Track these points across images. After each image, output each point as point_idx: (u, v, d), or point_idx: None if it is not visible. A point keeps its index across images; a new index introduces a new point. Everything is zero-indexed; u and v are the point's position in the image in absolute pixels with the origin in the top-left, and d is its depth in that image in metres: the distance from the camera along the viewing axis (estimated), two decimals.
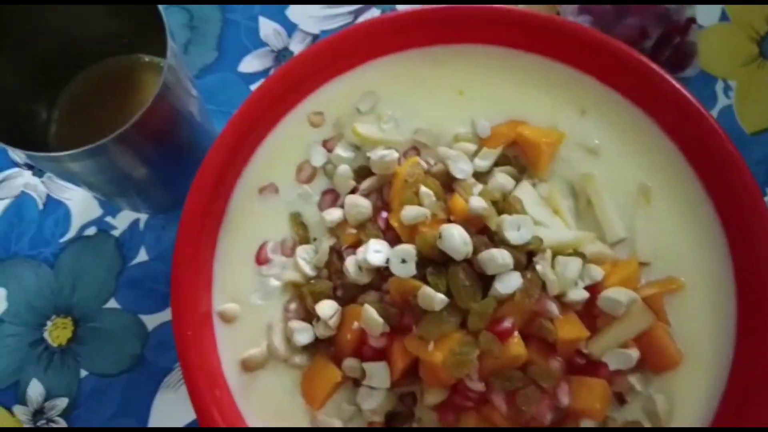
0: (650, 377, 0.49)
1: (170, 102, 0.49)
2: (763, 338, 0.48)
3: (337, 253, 0.50)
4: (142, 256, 0.64)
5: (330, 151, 0.53)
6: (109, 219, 0.66)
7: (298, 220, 0.52)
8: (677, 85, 0.52)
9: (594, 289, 0.47)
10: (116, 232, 0.65)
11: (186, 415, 0.60)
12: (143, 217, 0.66)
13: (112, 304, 0.63)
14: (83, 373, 0.62)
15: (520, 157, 0.53)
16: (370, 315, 0.45)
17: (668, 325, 0.49)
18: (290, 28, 0.71)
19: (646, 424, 0.48)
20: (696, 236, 0.52)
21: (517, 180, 0.52)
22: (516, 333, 0.45)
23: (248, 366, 0.49)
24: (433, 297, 0.44)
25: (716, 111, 0.69)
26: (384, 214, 0.50)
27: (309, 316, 0.50)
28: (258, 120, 0.52)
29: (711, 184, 0.52)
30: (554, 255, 0.48)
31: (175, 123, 0.51)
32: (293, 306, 0.50)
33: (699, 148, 0.52)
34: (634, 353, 0.47)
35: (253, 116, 0.51)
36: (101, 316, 0.63)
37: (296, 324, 0.49)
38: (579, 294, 0.46)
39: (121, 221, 0.66)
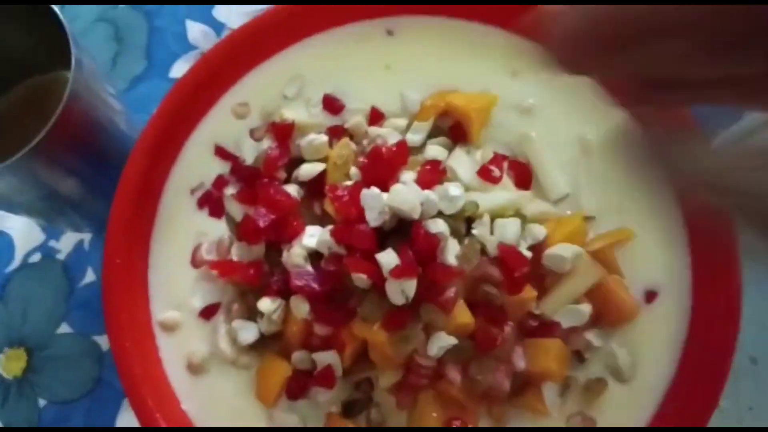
0: (609, 332, 0.47)
1: (83, 112, 0.48)
2: (719, 280, 0.47)
3: (274, 246, 0.49)
4: (90, 276, 0.63)
5: (258, 140, 0.52)
6: (53, 243, 0.64)
7: (232, 218, 0.51)
8: None
9: (538, 248, 0.46)
10: (61, 256, 0.64)
11: None
12: (87, 237, 0.64)
13: (65, 328, 0.62)
14: (42, 402, 0.60)
15: (453, 126, 0.52)
16: (295, 301, 0.44)
17: (622, 277, 0.48)
18: (218, 27, 0.70)
19: (610, 380, 0.46)
20: (642, 185, 0.50)
21: (451, 150, 0.50)
22: (461, 302, 0.43)
23: (195, 370, 0.47)
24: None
25: None
26: None
27: (253, 314, 0.48)
28: (179, 118, 0.50)
29: None
30: (494, 219, 0.46)
31: (92, 133, 0.50)
32: (235, 306, 0.48)
33: None
34: (586, 308, 0.46)
35: (174, 114, 0.50)
36: (55, 342, 0.62)
37: (240, 323, 0.47)
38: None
39: (66, 244, 0.64)
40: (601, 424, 0.46)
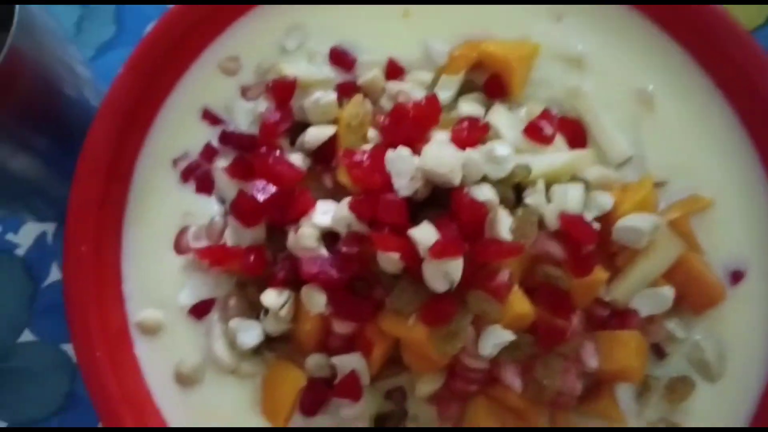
0: (691, 320, 0.41)
1: (34, 76, 0.40)
2: None
3: (277, 228, 0.41)
4: (55, 274, 0.54)
5: (252, 101, 0.44)
6: (10, 237, 0.55)
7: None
8: None
9: (604, 220, 0.39)
10: (21, 251, 0.55)
11: None
12: (50, 228, 0.55)
13: (28, 336, 0.53)
14: (2, 424, 0.51)
15: (488, 81, 0.44)
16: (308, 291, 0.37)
17: (701, 254, 0.41)
18: None
19: (695, 377, 0.40)
20: (716, 142, 0.43)
21: (488, 107, 0.43)
22: (516, 287, 0.36)
23: (185, 382, 0.40)
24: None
25: None
26: None
27: (255, 311, 0.41)
28: (153, 76, 0.43)
29: (723, 78, 0.44)
30: (549, 185, 0.39)
31: (49, 101, 0.43)
32: (233, 301, 0.41)
33: (703, 41, 0.44)
34: (669, 292, 0.39)
35: (145, 72, 0.42)
36: (17, 354, 0.53)
37: (239, 322, 0.40)
38: None
39: (25, 237, 0.56)
40: None
